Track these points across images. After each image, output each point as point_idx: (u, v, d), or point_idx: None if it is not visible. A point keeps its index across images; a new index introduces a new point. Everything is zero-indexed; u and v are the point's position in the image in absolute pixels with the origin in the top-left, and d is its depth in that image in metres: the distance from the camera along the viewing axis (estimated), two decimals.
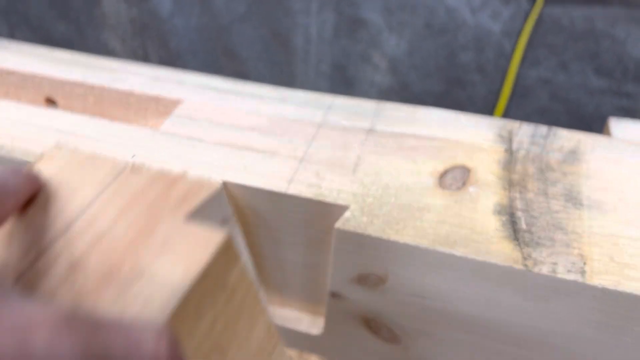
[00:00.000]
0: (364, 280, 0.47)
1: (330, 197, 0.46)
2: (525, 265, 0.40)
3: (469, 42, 1.08)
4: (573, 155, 0.49)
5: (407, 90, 1.14)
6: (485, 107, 1.13)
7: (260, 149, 0.51)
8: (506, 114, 1.12)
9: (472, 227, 0.43)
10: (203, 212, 0.28)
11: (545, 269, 0.40)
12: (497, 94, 1.11)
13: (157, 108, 0.57)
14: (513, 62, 1.06)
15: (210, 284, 0.24)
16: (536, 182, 0.47)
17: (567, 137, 0.51)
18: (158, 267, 0.24)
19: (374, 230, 0.43)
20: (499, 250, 0.41)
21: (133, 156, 0.50)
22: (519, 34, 1.03)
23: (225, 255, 0.25)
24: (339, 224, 0.43)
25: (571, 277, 0.39)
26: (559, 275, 0.39)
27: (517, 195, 0.46)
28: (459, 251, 0.41)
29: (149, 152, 0.50)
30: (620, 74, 1.01)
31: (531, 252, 0.41)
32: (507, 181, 0.47)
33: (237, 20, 1.16)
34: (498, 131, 0.52)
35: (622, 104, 1.04)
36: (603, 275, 0.39)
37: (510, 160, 0.49)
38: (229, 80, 0.60)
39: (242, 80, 0.60)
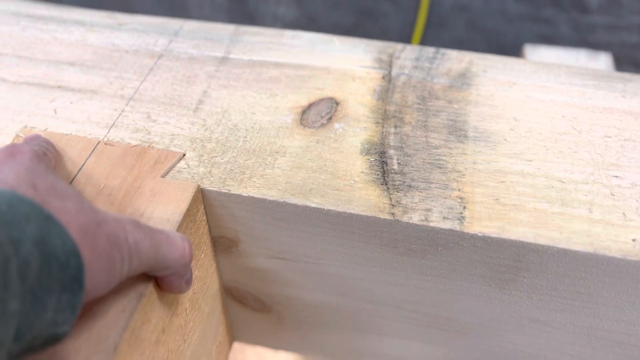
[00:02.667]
0: (214, 244, 0.38)
1: (161, 144, 0.36)
2: (392, 214, 0.32)
3: None
4: (462, 79, 0.41)
5: (314, 24, 1.04)
6: (400, 41, 1.04)
7: (78, 87, 0.40)
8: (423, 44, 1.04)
9: (334, 171, 0.35)
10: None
11: (416, 218, 0.32)
12: (411, 25, 1.02)
13: None
14: None
15: (190, 219, 0.33)
16: (416, 113, 0.39)
17: (457, 59, 0.43)
18: (153, 209, 0.32)
19: (211, 182, 0.34)
20: (363, 197, 0.33)
21: None
22: None
23: (197, 198, 0.33)
24: (169, 176, 0.34)
25: (447, 225, 0.32)
26: (433, 224, 0.32)
27: (392, 130, 0.38)
28: (313, 202, 0.33)
29: None
30: None
31: (401, 198, 0.33)
32: (382, 114, 0.39)
33: None
34: (377, 55, 0.44)
35: (541, 31, 0.98)
36: (485, 221, 0.32)
37: (387, 88, 0.41)
38: (51, 7, 0.48)
39: (68, 6, 0.48)
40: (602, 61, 0.80)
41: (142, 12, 1.10)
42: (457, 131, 0.37)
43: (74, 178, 0.33)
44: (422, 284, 0.36)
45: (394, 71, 0.42)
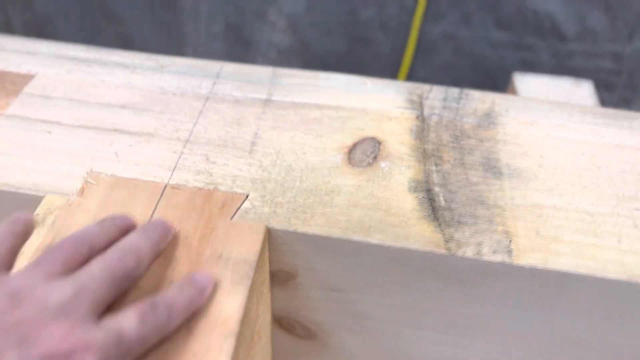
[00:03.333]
0: (271, 278, 0.41)
1: (224, 185, 0.39)
2: (448, 249, 0.36)
3: None
4: (488, 119, 0.45)
5: (308, 51, 1.07)
6: (390, 65, 1.08)
7: (135, 130, 0.42)
8: (411, 71, 1.09)
9: (387, 208, 0.38)
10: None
11: (469, 252, 0.35)
12: (401, 51, 1.07)
13: (2, 86, 0.46)
14: (416, 17, 1.02)
15: (261, 258, 0.35)
16: (452, 151, 0.42)
17: (480, 99, 0.47)
18: (230, 251, 0.34)
19: (278, 222, 0.37)
20: (418, 233, 0.36)
21: None
22: None
23: (266, 238, 0.36)
24: (236, 217, 0.37)
25: (498, 258, 0.35)
26: (485, 258, 0.35)
27: (433, 168, 0.41)
28: (375, 238, 0.36)
29: None
30: (520, 27, 1.01)
31: (453, 233, 0.36)
32: (421, 152, 0.42)
33: None
34: (407, 96, 0.47)
35: (523, 57, 1.04)
36: (530, 253, 0.36)
37: (422, 128, 0.44)
38: (92, 49, 0.50)
39: (108, 48, 0.50)
40: (585, 88, 0.87)
41: (140, 39, 1.11)
42: (492, 168, 0.41)
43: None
44: (468, 311, 0.40)
45: (426, 111, 0.46)
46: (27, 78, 0.46)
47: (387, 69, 1.10)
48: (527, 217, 0.38)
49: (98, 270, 0.28)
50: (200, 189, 0.38)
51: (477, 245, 0.36)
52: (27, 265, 0.28)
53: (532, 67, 1.06)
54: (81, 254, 0.29)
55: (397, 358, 0.46)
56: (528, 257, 0.35)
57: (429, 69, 1.09)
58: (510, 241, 0.36)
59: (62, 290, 0.26)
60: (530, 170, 0.41)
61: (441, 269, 0.37)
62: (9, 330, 0.24)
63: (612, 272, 0.35)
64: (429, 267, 0.37)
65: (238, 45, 1.07)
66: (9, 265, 0.29)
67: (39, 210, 0.36)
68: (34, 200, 0.37)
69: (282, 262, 0.39)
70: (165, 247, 0.34)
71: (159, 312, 0.28)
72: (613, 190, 0.40)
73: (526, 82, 0.85)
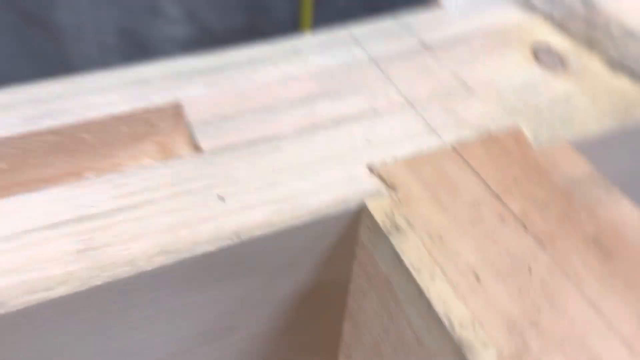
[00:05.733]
0: None
1: (491, 126, 0.37)
2: None
3: None
4: (590, 3, 0.50)
5: (210, 37, 0.99)
6: (292, 26, 1.07)
7: (355, 113, 0.37)
8: (313, 25, 1.09)
9: (614, 90, 0.41)
10: None
11: None
12: (297, 10, 1.05)
13: (147, 128, 0.36)
14: None
15: None
16: (594, 31, 0.46)
17: None
18: (572, 175, 0.34)
19: (558, 137, 0.37)
20: None
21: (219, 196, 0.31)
22: None
23: None
24: (534, 146, 0.36)
25: None
26: None
27: (602, 47, 0.45)
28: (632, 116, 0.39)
29: (237, 185, 0.32)
30: None
31: None
32: (581, 40, 0.45)
33: None
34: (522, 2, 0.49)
35: None
36: None
37: (559, 24, 0.47)
38: (200, 57, 0.41)
39: (216, 49, 0.42)
40: None
41: (12, 75, 0.89)
42: (628, 31, 0.46)
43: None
44: None
45: (545, 10, 0.49)
46: (169, 110, 0.37)
47: (288, 31, 1.09)
48: None
49: None
50: (482, 139, 0.36)
51: None
52: None
53: None
54: None
55: None
56: None
57: (328, 17, 1.10)
58: None
59: None
60: None
61: None
62: None
63: None
64: None
65: (135, 52, 0.94)
66: None
67: (379, 219, 0.30)
68: (342, 217, 0.31)
69: None
70: None
71: None
72: None
73: None
